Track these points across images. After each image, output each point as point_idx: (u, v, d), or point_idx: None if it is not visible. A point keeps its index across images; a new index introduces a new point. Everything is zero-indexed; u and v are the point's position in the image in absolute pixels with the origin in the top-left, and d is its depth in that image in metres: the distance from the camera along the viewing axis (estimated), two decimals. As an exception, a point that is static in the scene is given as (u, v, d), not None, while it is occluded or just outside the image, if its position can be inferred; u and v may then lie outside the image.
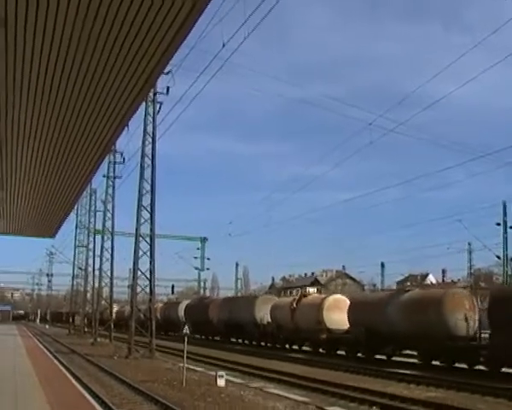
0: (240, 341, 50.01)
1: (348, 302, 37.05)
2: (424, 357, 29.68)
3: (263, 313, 45.54)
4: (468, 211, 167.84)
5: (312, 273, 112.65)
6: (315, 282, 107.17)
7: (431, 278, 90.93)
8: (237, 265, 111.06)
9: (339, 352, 36.56)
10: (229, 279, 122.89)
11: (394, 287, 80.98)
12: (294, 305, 41.43)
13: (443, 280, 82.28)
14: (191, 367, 26.23)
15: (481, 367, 26.14)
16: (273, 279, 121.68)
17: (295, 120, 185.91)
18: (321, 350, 38.41)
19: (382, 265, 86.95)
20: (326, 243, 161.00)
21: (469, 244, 76.09)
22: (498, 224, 59.28)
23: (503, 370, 24.99)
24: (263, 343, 45.83)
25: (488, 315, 26.45)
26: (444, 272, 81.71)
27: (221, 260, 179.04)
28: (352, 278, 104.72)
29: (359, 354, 34.03)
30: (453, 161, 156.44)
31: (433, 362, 28.73)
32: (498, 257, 61.49)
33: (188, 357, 23.50)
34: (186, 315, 60.44)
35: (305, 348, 41.52)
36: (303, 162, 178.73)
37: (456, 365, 27.65)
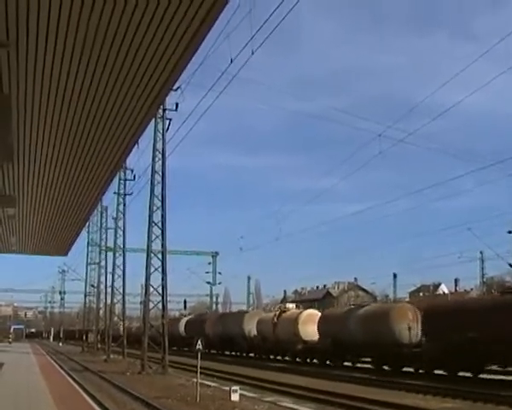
0: (233, 353, 53.88)
1: (320, 316, 42.26)
2: (377, 363, 34.72)
3: (250, 327, 50.22)
4: (479, 219, 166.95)
5: (324, 286, 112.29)
6: (327, 294, 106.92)
7: (443, 288, 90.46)
8: (249, 279, 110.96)
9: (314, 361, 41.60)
10: (242, 293, 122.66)
11: (407, 298, 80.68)
12: (275, 319, 46.44)
13: (455, 290, 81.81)
14: (204, 382, 26.19)
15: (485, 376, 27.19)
16: (285, 293, 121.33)
17: (304, 132, 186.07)
18: (298, 359, 43.30)
19: (394, 276, 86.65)
20: (337, 256, 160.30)
21: (481, 253, 75.77)
22: (510, 232, 59.05)
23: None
24: (251, 354, 50.85)
25: (421, 326, 31.63)
26: (456, 281, 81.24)
27: (233, 275, 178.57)
28: (364, 290, 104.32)
29: (328, 362, 39.17)
30: (462, 170, 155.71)
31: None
32: (511, 265, 61.20)
33: (200, 372, 23.47)
34: (186, 331, 63.87)
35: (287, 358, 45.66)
36: (312, 175, 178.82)
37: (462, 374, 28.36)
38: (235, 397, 21.09)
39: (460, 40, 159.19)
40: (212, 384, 27.20)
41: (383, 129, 67.15)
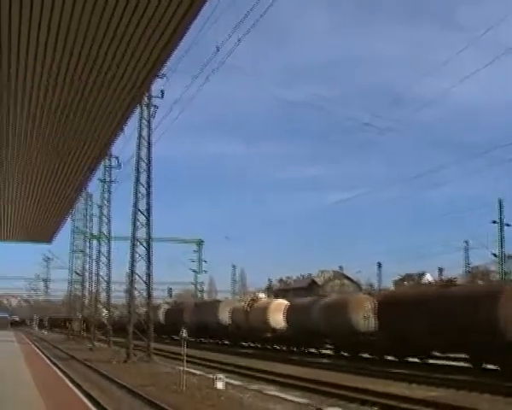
0: (210, 340, 56.43)
1: (289, 306, 45.43)
2: (336, 349, 38.47)
3: (225, 315, 53.22)
4: (465, 209, 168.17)
5: (309, 275, 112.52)
6: (312, 283, 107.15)
7: (428, 277, 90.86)
8: (234, 267, 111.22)
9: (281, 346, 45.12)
10: (227, 282, 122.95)
11: (392, 287, 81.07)
12: (248, 308, 49.56)
13: (440, 279, 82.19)
14: (190, 370, 26.19)
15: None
16: (270, 281, 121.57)
17: (292, 121, 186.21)
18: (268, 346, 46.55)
19: (379, 265, 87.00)
20: (323, 244, 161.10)
21: (466, 242, 76.28)
22: (494, 222, 59.47)
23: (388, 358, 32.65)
24: (226, 342, 53.71)
25: (376, 316, 33.95)
26: (441, 270, 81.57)
27: (218, 263, 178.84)
28: (349, 279, 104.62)
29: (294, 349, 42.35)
30: (449, 160, 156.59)
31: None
32: (495, 255, 61.69)
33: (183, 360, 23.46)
34: (165, 319, 66.40)
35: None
36: (300, 163, 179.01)
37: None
38: (220, 385, 21.14)
39: (448, 30, 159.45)
40: (198, 373, 27.22)
41: (371, 118, 67.24)
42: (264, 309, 47.24)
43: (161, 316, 66.78)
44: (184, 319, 57.07)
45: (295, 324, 41.97)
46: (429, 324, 28.23)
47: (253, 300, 51.94)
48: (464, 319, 26.17)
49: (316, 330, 38.62)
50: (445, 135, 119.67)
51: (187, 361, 23.03)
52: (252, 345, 49.19)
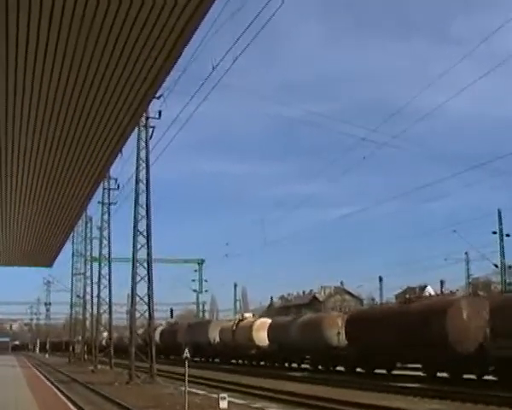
0: (202, 359, 60.12)
1: (271, 324, 49.09)
2: (313, 363, 42.08)
3: (214, 335, 56.79)
4: (465, 221, 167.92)
5: (311, 291, 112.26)
6: (313, 299, 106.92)
7: (429, 290, 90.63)
8: (235, 286, 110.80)
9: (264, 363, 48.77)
10: (228, 301, 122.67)
11: (393, 300, 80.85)
12: (234, 327, 53.28)
13: (441, 291, 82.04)
14: (192, 390, 26.09)
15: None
16: (271, 299, 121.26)
17: (289, 138, 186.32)
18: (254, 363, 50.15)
19: (380, 279, 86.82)
20: (324, 260, 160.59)
21: (466, 254, 76.17)
22: (494, 232, 59.47)
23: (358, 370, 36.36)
24: (216, 360, 57.59)
25: (345, 332, 37.11)
26: (442, 282, 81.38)
27: (219, 282, 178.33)
28: (350, 294, 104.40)
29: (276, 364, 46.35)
30: (448, 172, 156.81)
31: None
32: (496, 265, 61.66)
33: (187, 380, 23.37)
34: (161, 339, 67.94)
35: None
36: (298, 181, 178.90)
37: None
38: (223, 405, 21.02)
39: (443, 44, 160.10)
40: (200, 392, 27.13)
41: (367, 133, 67.57)
42: (249, 328, 50.42)
43: (157, 337, 66.69)
44: (178, 339, 60.00)
45: (277, 341, 45.58)
46: (392, 338, 31.04)
47: (240, 320, 55.50)
48: (420, 332, 28.82)
49: (295, 347, 42.44)
50: (442, 148, 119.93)
51: (193, 382, 22.96)
52: (239, 362, 52.91)
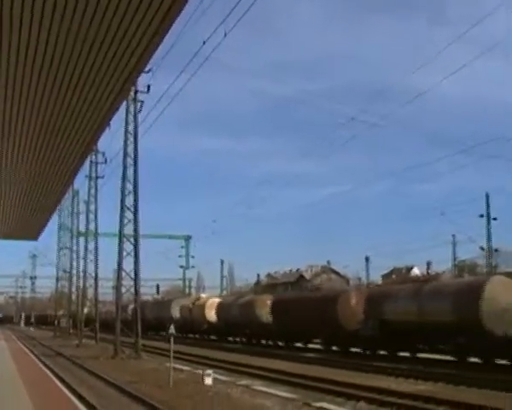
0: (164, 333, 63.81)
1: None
2: (248, 337, 49.00)
3: (176, 312, 62.95)
4: (453, 203, 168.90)
5: (297, 269, 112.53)
6: (300, 278, 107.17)
7: (415, 271, 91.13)
8: (222, 262, 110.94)
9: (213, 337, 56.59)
10: (215, 278, 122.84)
11: (379, 281, 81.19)
12: (191, 306, 60.51)
13: (427, 272, 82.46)
14: (177, 367, 26.13)
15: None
16: (258, 276, 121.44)
17: (278, 116, 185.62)
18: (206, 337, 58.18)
19: (367, 259, 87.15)
20: (311, 239, 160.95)
21: (453, 236, 76.51)
22: (482, 215, 59.81)
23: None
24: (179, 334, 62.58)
25: (271, 311, 44.76)
26: (428, 264, 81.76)
27: (206, 259, 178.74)
28: (337, 273, 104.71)
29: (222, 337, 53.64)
30: (438, 154, 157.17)
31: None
32: (482, 248, 62.05)
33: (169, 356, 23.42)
34: (132, 315, 69.48)
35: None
36: (287, 158, 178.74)
37: (444, 358, 29.50)
38: (208, 381, 21.07)
39: (436, 25, 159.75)
40: (185, 368, 27.17)
41: (357, 113, 67.43)
42: (203, 306, 57.88)
43: (129, 312, 69.42)
44: (147, 316, 61.71)
45: (223, 318, 53.24)
46: (303, 318, 39.12)
47: (196, 299, 64.22)
48: (321, 315, 36.97)
49: (235, 323, 49.74)
50: (432, 129, 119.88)
51: (176, 358, 23.00)
52: (192, 336, 59.54)
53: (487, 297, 26.37)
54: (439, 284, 31.84)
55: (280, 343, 44.74)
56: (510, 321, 25.67)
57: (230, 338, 53.12)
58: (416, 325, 29.51)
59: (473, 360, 27.82)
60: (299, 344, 43.10)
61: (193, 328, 59.05)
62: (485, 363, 26.78)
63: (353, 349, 36.10)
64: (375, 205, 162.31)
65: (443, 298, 28.56)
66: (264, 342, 47.32)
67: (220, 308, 54.71)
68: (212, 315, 55.98)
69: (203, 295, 68.42)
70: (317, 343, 41.62)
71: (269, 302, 46.18)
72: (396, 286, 36.60)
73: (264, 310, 45.87)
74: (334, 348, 38.07)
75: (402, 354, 32.20)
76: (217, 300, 59.28)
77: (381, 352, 33.52)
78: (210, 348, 43.65)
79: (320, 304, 38.17)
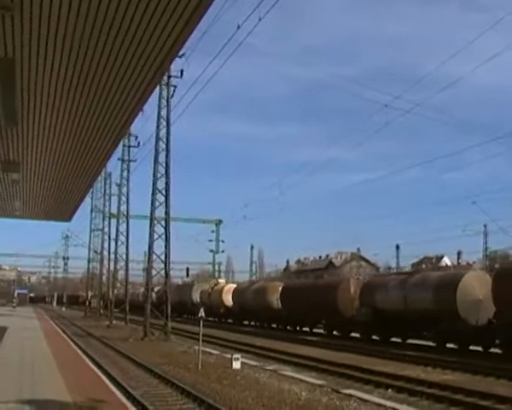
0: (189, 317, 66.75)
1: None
2: (261, 321, 52.43)
3: (196, 296, 66.95)
4: (485, 192, 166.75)
5: (327, 256, 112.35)
6: (329, 264, 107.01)
7: (446, 260, 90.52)
8: (252, 247, 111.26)
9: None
10: (244, 262, 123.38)
11: (409, 269, 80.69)
12: (210, 290, 64.52)
13: (458, 262, 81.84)
14: (207, 350, 26.34)
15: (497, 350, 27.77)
16: (288, 262, 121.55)
17: (311, 102, 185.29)
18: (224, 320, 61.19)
19: (397, 247, 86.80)
20: (341, 226, 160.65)
21: (485, 226, 75.83)
22: (514, 205, 59.03)
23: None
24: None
25: (280, 298, 47.53)
26: (459, 254, 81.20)
27: (236, 243, 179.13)
28: (366, 261, 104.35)
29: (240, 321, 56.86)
30: (470, 142, 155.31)
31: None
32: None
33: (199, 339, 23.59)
34: (157, 298, 74.79)
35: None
36: (319, 144, 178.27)
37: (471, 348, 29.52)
38: (236, 365, 21.22)
39: (471, 11, 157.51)
40: (214, 352, 27.37)
41: (390, 99, 66.88)
42: (220, 291, 61.96)
43: (154, 296, 71.46)
44: (170, 299, 63.78)
45: (238, 303, 57.44)
46: (308, 305, 41.94)
47: (215, 284, 67.39)
48: (323, 302, 39.93)
49: (249, 308, 53.28)
50: (466, 118, 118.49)
51: (207, 342, 23.14)
52: (211, 319, 61.04)
53: (462, 289, 29.01)
54: (422, 276, 34.21)
55: (289, 328, 47.45)
56: (482, 312, 28.17)
57: (246, 322, 56.63)
58: (403, 313, 32.52)
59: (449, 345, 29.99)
60: (306, 329, 45.57)
61: (211, 311, 60.42)
62: (460, 349, 29.07)
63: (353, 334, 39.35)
64: (407, 193, 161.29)
65: (425, 289, 31.26)
66: (274, 326, 50.24)
67: (236, 294, 58.73)
68: (228, 300, 59.96)
69: (221, 281, 72.40)
70: (320, 328, 44.02)
71: (279, 289, 49.17)
72: (387, 277, 40.52)
73: (275, 296, 48.88)
74: (335, 332, 41.37)
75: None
76: (233, 286, 63.85)
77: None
78: (229, 331, 45.42)
79: (322, 292, 41.52)
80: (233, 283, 73.18)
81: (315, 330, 44.08)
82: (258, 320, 53.62)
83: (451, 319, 28.71)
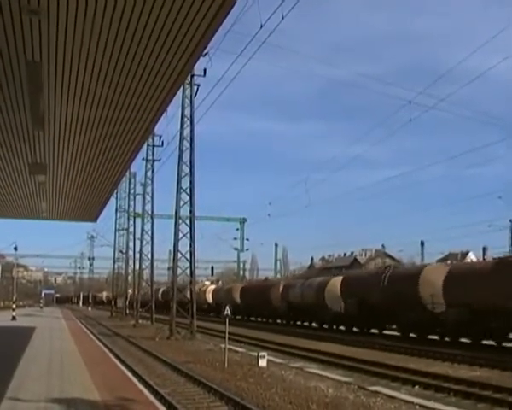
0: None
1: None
2: (267, 318, 57.24)
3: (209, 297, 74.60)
4: (511, 187, 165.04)
5: (352, 253, 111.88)
6: (354, 262, 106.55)
7: (471, 256, 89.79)
8: (276, 245, 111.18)
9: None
10: (269, 260, 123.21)
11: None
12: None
13: (483, 258, 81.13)
14: (232, 348, 26.42)
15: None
16: (312, 259, 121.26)
17: (335, 99, 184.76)
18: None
19: (422, 243, 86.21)
20: (366, 223, 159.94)
21: (511, 221, 75.05)
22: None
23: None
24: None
25: (280, 295, 52.13)
26: (484, 249, 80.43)
27: (260, 241, 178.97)
28: (391, 257, 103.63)
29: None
30: (495, 137, 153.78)
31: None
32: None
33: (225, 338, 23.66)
34: (162, 297, 78.21)
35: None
36: (343, 142, 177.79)
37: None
38: (262, 363, 21.27)
39: (493, 5, 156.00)
40: (240, 350, 27.45)
41: (414, 95, 66.48)
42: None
43: (160, 295, 78.38)
44: (179, 298, 68.37)
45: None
46: (303, 302, 46.25)
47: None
48: (315, 299, 44.08)
49: (255, 305, 58.34)
50: (490, 112, 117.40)
51: (232, 340, 23.20)
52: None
53: (422, 281, 32.35)
54: (395, 270, 37.52)
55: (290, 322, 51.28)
56: (437, 300, 30.99)
57: (253, 318, 61.44)
58: (382, 305, 35.34)
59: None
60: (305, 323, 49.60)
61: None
62: (419, 337, 32.47)
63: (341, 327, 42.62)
64: (431, 189, 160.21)
65: (397, 282, 34.42)
66: (279, 321, 54.04)
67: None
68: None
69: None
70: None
71: (280, 288, 53.04)
72: (367, 272, 45.00)
73: (276, 295, 52.62)
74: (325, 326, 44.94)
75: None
76: (239, 285, 69.98)
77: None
78: (238, 327, 45.61)
79: (314, 289, 45.43)
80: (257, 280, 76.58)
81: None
82: (262, 317, 58.61)
83: (416, 308, 31.61)
